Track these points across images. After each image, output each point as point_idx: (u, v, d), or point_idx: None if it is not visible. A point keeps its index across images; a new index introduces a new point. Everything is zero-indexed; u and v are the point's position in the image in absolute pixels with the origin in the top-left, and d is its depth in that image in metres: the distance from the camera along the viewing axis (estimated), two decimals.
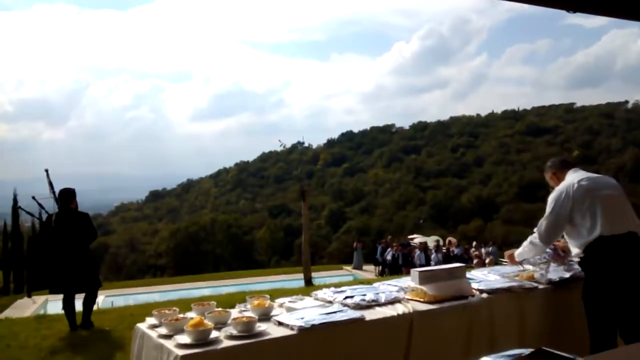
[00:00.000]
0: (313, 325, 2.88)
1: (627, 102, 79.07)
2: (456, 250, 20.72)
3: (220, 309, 3.21)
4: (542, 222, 3.89)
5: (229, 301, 7.44)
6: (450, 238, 24.74)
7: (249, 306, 3.28)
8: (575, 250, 3.86)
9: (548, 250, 4.17)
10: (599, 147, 64.23)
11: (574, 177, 3.87)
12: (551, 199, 3.87)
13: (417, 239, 25.13)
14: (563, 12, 3.31)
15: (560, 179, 3.98)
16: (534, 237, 3.97)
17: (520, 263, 4.33)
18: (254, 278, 19.97)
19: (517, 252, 4.19)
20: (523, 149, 71.69)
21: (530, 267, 4.33)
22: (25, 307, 12.65)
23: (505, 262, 4.68)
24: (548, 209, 3.86)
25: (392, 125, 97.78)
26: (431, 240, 22.97)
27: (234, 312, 3.21)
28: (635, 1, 3.36)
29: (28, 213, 8.77)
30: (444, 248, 21.29)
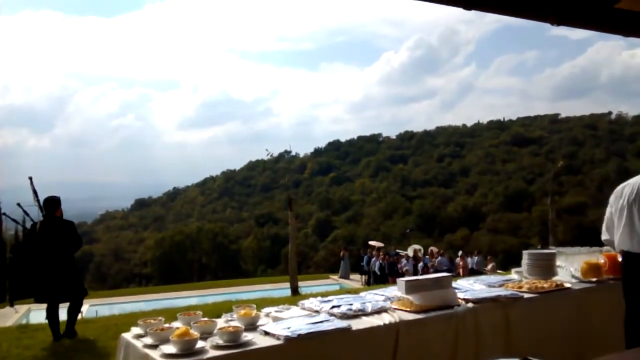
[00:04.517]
0: (300, 335, 2.87)
1: (610, 113, 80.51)
2: (439, 259, 20.75)
3: (206, 318, 3.19)
4: None
5: (215, 311, 7.39)
6: (432, 248, 24.75)
7: (235, 316, 3.26)
8: None
9: None
10: (584, 157, 65.05)
11: (630, 181, 3.78)
12: None
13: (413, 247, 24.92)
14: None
15: None
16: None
17: None
18: (241, 287, 19.90)
19: None
20: (508, 159, 72.44)
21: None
22: (7, 317, 12.44)
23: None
24: None
25: (379, 135, 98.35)
26: (411, 249, 22.90)
27: (220, 322, 3.20)
28: (614, 15, 3.41)
29: (13, 220, 8.64)
30: (427, 258, 21.34)
